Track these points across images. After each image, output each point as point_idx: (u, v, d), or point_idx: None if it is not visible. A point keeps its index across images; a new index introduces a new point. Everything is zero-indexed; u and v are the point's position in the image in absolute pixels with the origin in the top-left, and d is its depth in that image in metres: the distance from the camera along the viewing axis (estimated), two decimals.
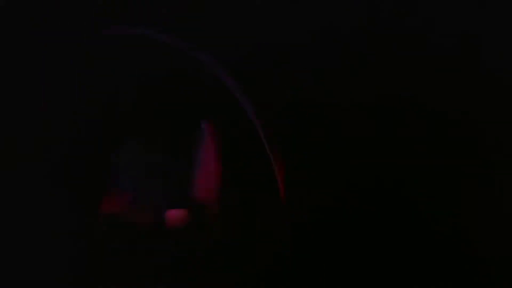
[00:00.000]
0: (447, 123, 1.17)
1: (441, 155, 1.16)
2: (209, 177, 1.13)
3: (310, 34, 1.21)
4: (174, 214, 1.11)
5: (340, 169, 1.17)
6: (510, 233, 1.12)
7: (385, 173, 1.16)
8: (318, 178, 1.17)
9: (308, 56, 1.21)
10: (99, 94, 1.17)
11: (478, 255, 1.13)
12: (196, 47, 1.13)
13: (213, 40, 1.16)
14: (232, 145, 1.14)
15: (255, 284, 1.10)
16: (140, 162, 1.15)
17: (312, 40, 1.20)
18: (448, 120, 1.17)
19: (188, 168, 1.14)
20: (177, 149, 1.15)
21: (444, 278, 1.12)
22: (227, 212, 1.13)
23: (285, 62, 1.21)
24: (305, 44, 1.21)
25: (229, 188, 1.14)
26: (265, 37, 1.20)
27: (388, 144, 1.17)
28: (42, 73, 1.16)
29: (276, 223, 1.12)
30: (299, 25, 1.21)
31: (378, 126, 1.17)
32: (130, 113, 1.17)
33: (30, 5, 1.17)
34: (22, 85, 1.16)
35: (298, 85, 1.21)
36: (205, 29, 1.19)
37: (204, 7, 1.21)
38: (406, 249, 1.14)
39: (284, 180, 1.10)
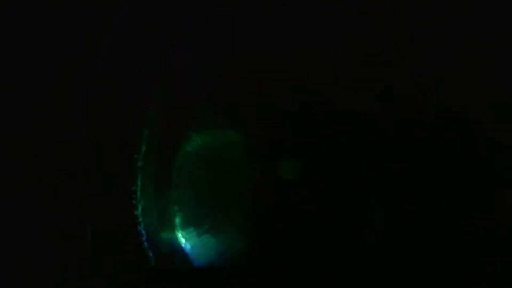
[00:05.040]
0: (447, 123, 1.17)
1: (441, 155, 1.16)
2: None
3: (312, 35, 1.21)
4: None
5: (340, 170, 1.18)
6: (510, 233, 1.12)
7: (386, 173, 1.17)
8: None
9: (310, 57, 1.22)
10: None
11: (478, 254, 1.13)
12: None
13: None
14: None
15: None
16: None
17: (313, 41, 1.21)
18: (448, 120, 1.17)
19: None
20: None
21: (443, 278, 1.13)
22: None
23: (287, 63, 1.22)
24: (306, 45, 1.21)
25: None
26: (267, 38, 1.22)
27: (388, 144, 1.17)
28: None
29: None
30: (300, 26, 1.21)
31: (378, 126, 1.18)
32: None
33: None
34: None
35: (301, 86, 1.22)
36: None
37: None
38: (407, 249, 1.15)
39: None
